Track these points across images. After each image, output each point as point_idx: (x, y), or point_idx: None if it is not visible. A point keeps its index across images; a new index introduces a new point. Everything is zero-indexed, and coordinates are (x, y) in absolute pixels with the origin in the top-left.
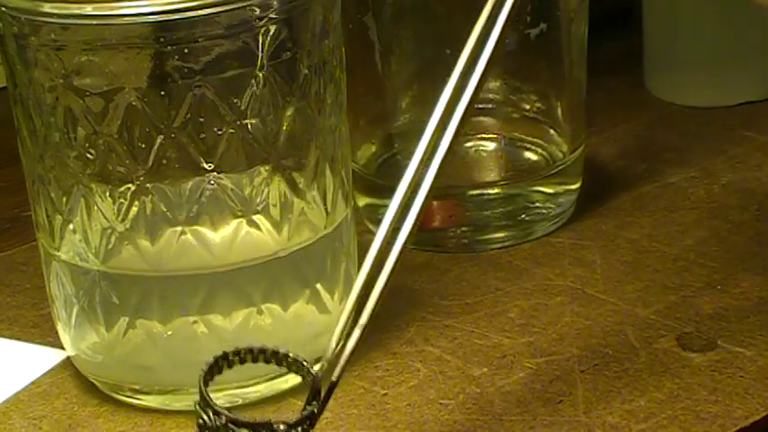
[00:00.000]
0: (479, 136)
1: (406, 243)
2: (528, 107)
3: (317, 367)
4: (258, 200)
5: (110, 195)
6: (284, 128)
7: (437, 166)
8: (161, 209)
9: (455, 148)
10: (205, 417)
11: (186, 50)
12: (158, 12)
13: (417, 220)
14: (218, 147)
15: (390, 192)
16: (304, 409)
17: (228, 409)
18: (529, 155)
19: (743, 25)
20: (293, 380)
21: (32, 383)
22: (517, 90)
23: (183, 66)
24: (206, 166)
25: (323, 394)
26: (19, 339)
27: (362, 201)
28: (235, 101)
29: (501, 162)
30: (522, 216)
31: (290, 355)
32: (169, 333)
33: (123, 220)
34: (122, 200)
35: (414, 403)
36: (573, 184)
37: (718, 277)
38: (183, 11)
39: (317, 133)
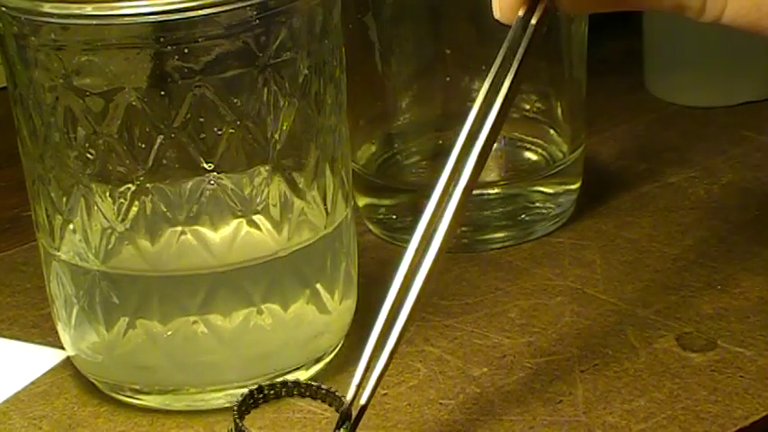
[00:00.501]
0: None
1: (433, 268)
2: (528, 107)
3: (350, 394)
4: (258, 200)
5: (110, 195)
6: (284, 128)
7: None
8: (161, 209)
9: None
10: None
11: (186, 50)
12: (158, 12)
13: (443, 247)
14: (218, 147)
15: (390, 192)
16: None
17: None
18: (529, 155)
19: None
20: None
21: (32, 383)
22: None
23: (183, 66)
24: (206, 166)
25: (353, 419)
26: (19, 339)
27: (362, 201)
28: (235, 101)
29: (501, 162)
30: (522, 216)
31: (323, 386)
32: (169, 333)
33: (123, 220)
34: (122, 200)
35: (414, 403)
36: (573, 184)
37: (718, 277)
38: (183, 11)
39: (317, 133)
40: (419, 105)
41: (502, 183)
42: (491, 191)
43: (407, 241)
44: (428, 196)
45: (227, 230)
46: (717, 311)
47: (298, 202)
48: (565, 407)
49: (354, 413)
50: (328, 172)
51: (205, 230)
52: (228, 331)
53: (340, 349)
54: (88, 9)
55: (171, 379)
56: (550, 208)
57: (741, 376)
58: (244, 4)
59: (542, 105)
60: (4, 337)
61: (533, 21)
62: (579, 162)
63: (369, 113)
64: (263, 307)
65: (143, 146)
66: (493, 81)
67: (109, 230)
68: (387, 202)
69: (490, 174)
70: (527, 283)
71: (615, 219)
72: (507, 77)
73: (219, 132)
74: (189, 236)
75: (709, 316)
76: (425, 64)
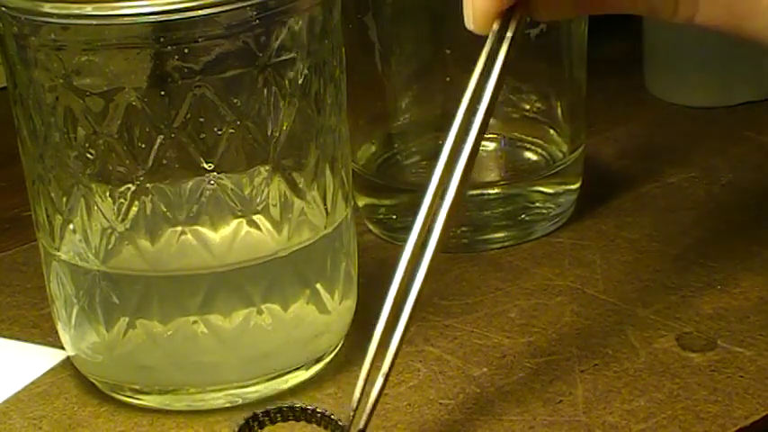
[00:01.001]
0: None
1: (421, 290)
2: (528, 107)
3: (347, 418)
4: (258, 200)
5: (110, 195)
6: (284, 128)
7: (444, 218)
8: (161, 209)
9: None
10: None
11: (186, 50)
12: (158, 12)
13: (429, 272)
14: (218, 147)
15: (390, 192)
16: None
17: None
18: (529, 155)
19: None
20: (293, 380)
21: (32, 383)
22: (517, 90)
23: (183, 66)
24: (206, 166)
25: None
26: (19, 339)
27: (362, 201)
28: (235, 101)
29: (501, 162)
30: (522, 216)
31: (318, 410)
32: (169, 333)
33: (123, 220)
34: (122, 200)
35: (414, 403)
36: (573, 184)
37: (719, 277)
38: (183, 11)
39: (317, 133)
40: (419, 105)
41: (502, 183)
42: (491, 191)
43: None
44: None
45: (227, 230)
46: (717, 311)
47: (298, 202)
48: (565, 407)
49: None
50: (328, 172)
51: (205, 230)
52: (228, 331)
53: (340, 349)
54: (88, 9)
55: (171, 379)
56: (550, 208)
57: (741, 376)
58: (244, 4)
59: (542, 105)
60: (4, 337)
61: (509, 33)
62: (579, 162)
63: (369, 113)
64: (263, 307)
65: (143, 146)
66: (474, 92)
67: (109, 230)
68: (387, 202)
69: (490, 174)
70: (527, 283)
71: (615, 219)
72: (487, 89)
73: (219, 132)
74: (189, 236)
75: (710, 316)
76: (425, 64)
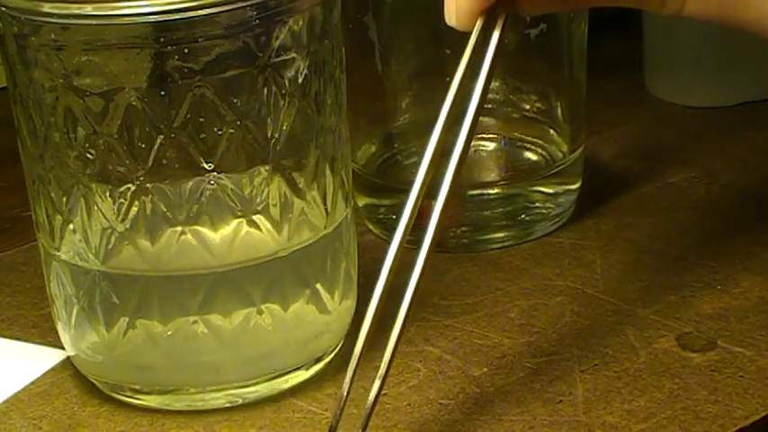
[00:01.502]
0: (479, 136)
1: (415, 292)
2: (528, 107)
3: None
4: (258, 200)
5: (110, 195)
6: (284, 128)
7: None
8: (161, 209)
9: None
10: None
11: (186, 50)
12: (158, 12)
13: (423, 273)
14: (218, 147)
15: (390, 192)
16: None
17: None
18: (529, 155)
19: None
20: (293, 380)
21: (32, 383)
22: (517, 90)
23: (183, 66)
24: (206, 166)
25: None
26: (19, 339)
27: (362, 201)
28: (235, 101)
29: (501, 162)
30: (522, 216)
31: None
32: (169, 333)
33: (123, 220)
34: (122, 200)
35: (414, 403)
36: (573, 184)
37: (719, 277)
38: (183, 11)
39: (317, 133)
40: (419, 105)
41: (502, 183)
42: (491, 191)
43: (408, 241)
44: (427, 197)
45: (227, 230)
46: (717, 311)
47: (298, 202)
48: (565, 407)
49: None
50: (328, 172)
51: (205, 230)
52: (228, 331)
53: (340, 349)
54: (88, 9)
55: (171, 379)
56: (550, 208)
57: (741, 376)
58: (244, 4)
59: (542, 105)
60: (4, 337)
61: (496, 32)
62: (579, 162)
63: (369, 113)
64: (263, 307)
65: (143, 146)
66: (456, 92)
67: (109, 230)
68: (387, 202)
69: (490, 174)
70: (527, 283)
71: (615, 219)
72: (476, 90)
73: (219, 132)
74: (189, 236)
75: (710, 316)
76: (425, 64)
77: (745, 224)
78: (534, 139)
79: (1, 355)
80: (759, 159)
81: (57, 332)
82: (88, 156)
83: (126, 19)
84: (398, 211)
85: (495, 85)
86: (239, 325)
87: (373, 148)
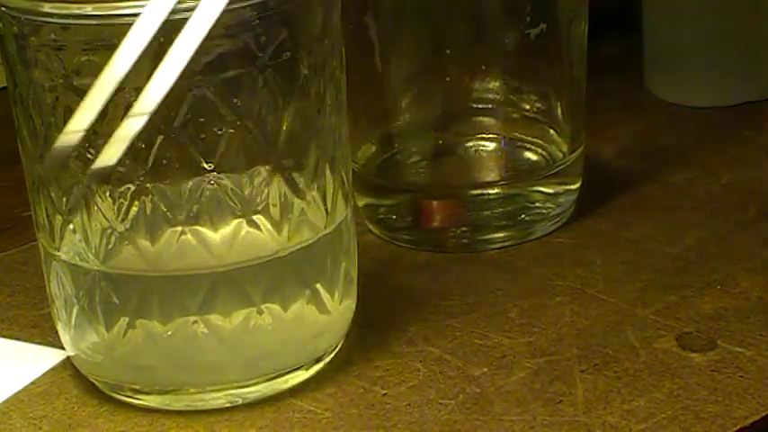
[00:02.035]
0: (479, 136)
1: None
2: (528, 107)
3: None
4: (258, 200)
5: (110, 195)
6: (284, 128)
7: None
8: (161, 209)
9: None
10: None
11: None
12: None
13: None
14: (218, 147)
15: (390, 192)
16: None
17: None
18: (529, 155)
19: (743, 25)
20: (293, 380)
21: (32, 383)
22: (517, 90)
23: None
24: (206, 166)
25: None
26: (19, 339)
27: (362, 201)
28: (235, 101)
29: (501, 162)
30: (522, 216)
31: None
32: (169, 333)
33: (123, 220)
34: (122, 200)
35: (414, 403)
36: (573, 184)
37: (719, 277)
38: (183, 11)
39: (317, 133)
40: (419, 105)
41: (502, 183)
42: (491, 191)
43: (407, 241)
44: (427, 197)
45: (227, 230)
46: (717, 311)
47: (298, 202)
48: (565, 407)
49: None
50: (328, 172)
51: (205, 230)
52: (228, 331)
53: (340, 349)
54: (88, 9)
55: (171, 379)
56: (550, 208)
57: (741, 376)
58: (244, 4)
59: (542, 105)
60: (4, 337)
61: None
62: (579, 162)
63: (369, 113)
64: (263, 307)
65: (143, 146)
66: None
67: (109, 230)
68: (387, 202)
69: (490, 174)
70: (527, 283)
71: (615, 219)
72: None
73: (219, 132)
74: (189, 236)
75: (710, 316)
76: (425, 64)
77: (745, 224)
78: (534, 139)
79: (1, 355)
80: (759, 159)
81: (57, 332)
82: (88, 156)
83: (126, 19)
84: (398, 211)
85: (495, 84)
86: (239, 325)
87: (373, 148)
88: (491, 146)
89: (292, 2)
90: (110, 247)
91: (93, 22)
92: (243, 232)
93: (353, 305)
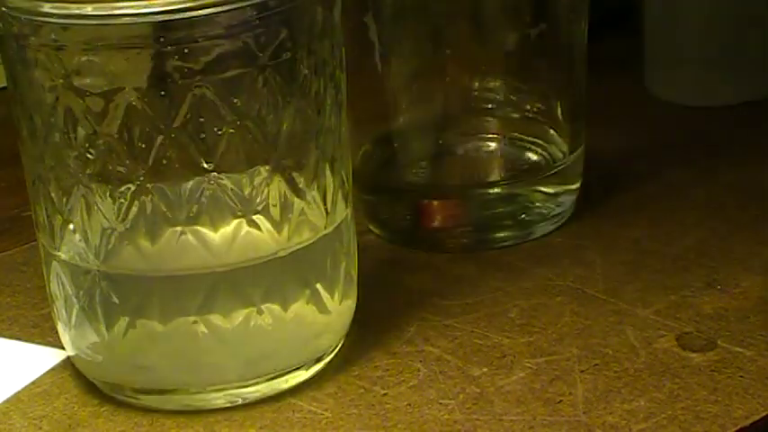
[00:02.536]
0: (479, 136)
1: None
2: (528, 107)
3: None
4: (258, 200)
5: (110, 195)
6: (284, 128)
7: None
8: (161, 209)
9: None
10: None
11: (186, 50)
12: (158, 12)
13: None
14: (218, 147)
15: (391, 192)
16: None
17: None
18: (529, 155)
19: (743, 25)
20: (293, 380)
21: (32, 383)
22: (517, 90)
23: (183, 66)
24: (206, 166)
25: None
26: (19, 339)
27: (362, 201)
28: (235, 101)
29: (501, 162)
30: (522, 216)
31: None
32: (169, 333)
33: (123, 220)
34: (122, 200)
35: (414, 403)
36: (573, 184)
37: (718, 277)
38: (183, 11)
39: (317, 133)
40: (419, 105)
41: (502, 183)
42: (491, 191)
43: (407, 241)
44: (427, 197)
45: (227, 230)
46: (717, 311)
47: (298, 202)
48: (565, 407)
49: None
50: (328, 172)
51: (205, 230)
52: (228, 331)
53: (340, 349)
54: (88, 9)
55: (171, 379)
56: (550, 208)
57: (741, 376)
58: (244, 4)
59: (542, 105)
60: (4, 337)
61: None
62: (579, 162)
63: (369, 113)
64: (263, 307)
65: (143, 146)
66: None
67: (109, 230)
68: (387, 202)
69: (490, 174)
70: (527, 283)
71: (615, 219)
72: None
73: (219, 132)
74: (189, 236)
75: (710, 316)
76: (425, 64)
77: (745, 224)
78: (534, 139)
79: (1, 355)
80: (759, 159)
81: (57, 332)
82: (88, 156)
83: (126, 19)
84: (398, 211)
85: (495, 85)
86: (239, 325)
87: (373, 148)
88: (491, 146)
89: (292, 2)
90: (110, 247)
91: (93, 22)
92: (243, 232)
93: (353, 305)
